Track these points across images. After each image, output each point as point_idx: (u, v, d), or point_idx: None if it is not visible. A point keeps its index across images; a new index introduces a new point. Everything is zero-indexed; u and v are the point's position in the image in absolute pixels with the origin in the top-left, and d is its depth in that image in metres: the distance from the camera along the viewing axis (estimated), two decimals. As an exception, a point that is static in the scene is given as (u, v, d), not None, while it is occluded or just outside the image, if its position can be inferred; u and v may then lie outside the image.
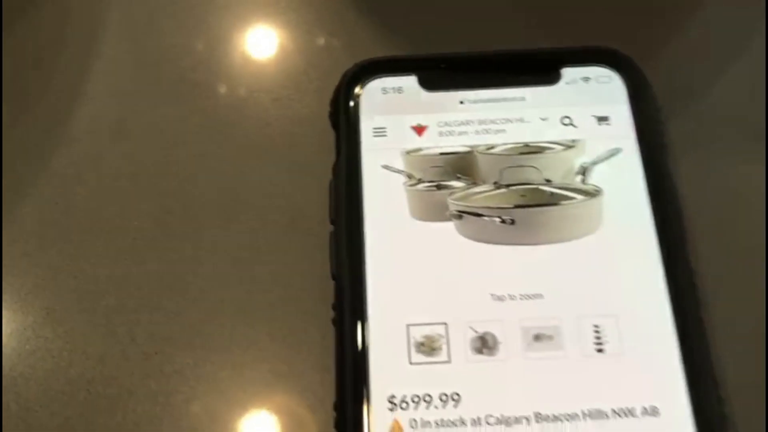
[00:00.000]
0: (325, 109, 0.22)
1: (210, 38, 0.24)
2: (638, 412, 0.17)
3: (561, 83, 0.22)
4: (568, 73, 0.22)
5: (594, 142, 0.21)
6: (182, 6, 0.25)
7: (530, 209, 0.20)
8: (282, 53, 0.24)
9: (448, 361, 0.18)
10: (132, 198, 0.22)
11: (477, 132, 0.21)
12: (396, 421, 0.17)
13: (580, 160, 0.21)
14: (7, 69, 0.24)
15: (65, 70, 0.24)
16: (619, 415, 0.17)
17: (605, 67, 0.22)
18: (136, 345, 0.19)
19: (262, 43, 0.25)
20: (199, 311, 0.20)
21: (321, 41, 0.24)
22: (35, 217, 0.21)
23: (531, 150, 0.21)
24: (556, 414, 0.17)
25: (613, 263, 0.19)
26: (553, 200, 0.20)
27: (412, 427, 0.17)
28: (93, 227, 0.21)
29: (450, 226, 0.20)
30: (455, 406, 0.17)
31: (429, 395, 0.18)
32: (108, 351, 0.19)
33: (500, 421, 0.17)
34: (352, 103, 0.22)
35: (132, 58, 0.24)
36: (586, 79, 0.22)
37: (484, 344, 0.18)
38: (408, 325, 0.19)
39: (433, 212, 0.20)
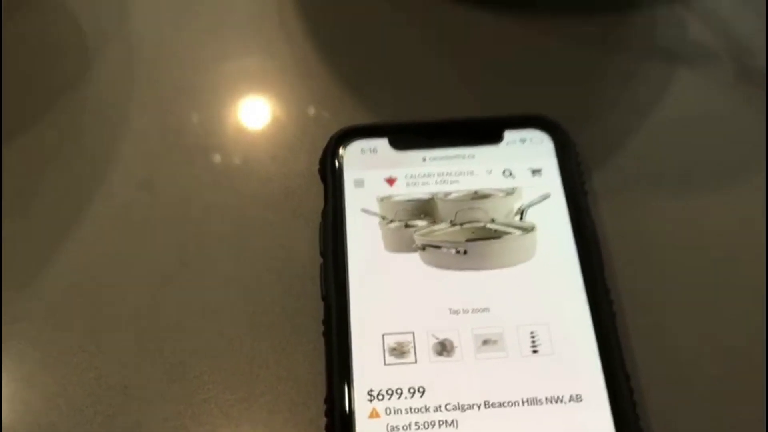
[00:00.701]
0: (315, 166, 0.25)
1: (219, 110, 0.28)
2: (566, 399, 0.20)
3: (503, 143, 0.25)
4: (509, 135, 0.25)
5: (529, 189, 0.24)
6: (198, 84, 0.28)
7: (479, 242, 0.23)
8: (279, 121, 0.27)
9: (415, 362, 0.21)
10: (158, 240, 0.25)
11: (436, 182, 0.24)
12: (374, 409, 0.20)
13: (518, 203, 0.24)
14: (55, 138, 0.27)
15: (102, 137, 0.27)
16: (551, 402, 0.20)
17: (538, 130, 0.25)
18: (163, 357, 0.22)
19: (263, 113, 0.28)
20: (213, 329, 0.23)
21: (311, 111, 0.28)
22: (79, 257, 0.24)
23: (479, 196, 0.24)
24: (501, 402, 0.20)
25: (545, 283, 0.22)
26: (497, 235, 0.23)
27: (387, 413, 0.20)
28: (126, 263, 0.24)
29: (416, 256, 0.23)
30: (421, 397, 0.20)
31: (400, 389, 0.20)
32: (141, 362, 0.22)
33: (456, 408, 0.20)
34: (336, 161, 0.25)
35: (156, 128, 0.27)
36: (523, 139, 0.25)
37: (444, 348, 0.21)
38: (383, 335, 0.21)
39: (403, 245, 0.23)
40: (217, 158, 0.27)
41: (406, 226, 0.23)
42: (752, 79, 0.28)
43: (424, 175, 0.25)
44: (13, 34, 0.30)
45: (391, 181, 0.24)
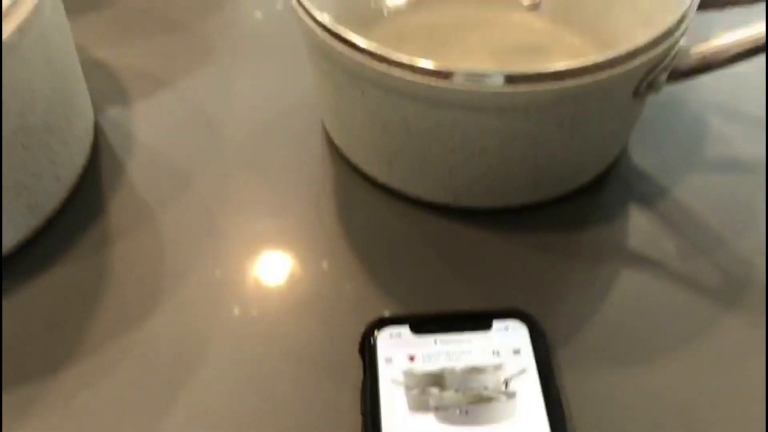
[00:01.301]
0: (354, 342, 0.34)
1: (274, 309, 0.37)
2: None
3: (492, 330, 0.34)
4: (497, 323, 0.34)
5: (511, 364, 0.32)
6: (248, 281, 0.38)
7: (476, 405, 0.31)
8: (323, 300, 0.36)
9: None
10: (235, 409, 0.33)
11: (445, 359, 0.33)
12: None
13: (503, 375, 0.32)
14: (145, 346, 0.36)
15: (186, 343, 0.36)
16: None
17: (518, 319, 0.34)
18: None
19: (309, 288, 0.37)
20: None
21: (347, 290, 0.37)
22: None
23: (476, 370, 0.32)
24: None
25: (523, 434, 0.31)
26: (489, 399, 0.31)
27: None
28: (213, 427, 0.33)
29: (431, 415, 0.31)
30: None
31: None
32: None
33: None
34: (372, 343, 0.33)
35: (228, 332, 0.37)
36: (507, 327, 0.34)
37: (452, 483, 0.30)
38: (410, 473, 0.30)
39: (421, 407, 0.31)
40: (276, 342, 0.36)
41: (423, 392, 0.32)
42: (697, 274, 0.37)
43: (436, 354, 0.33)
44: (122, 256, 0.39)
45: (412, 358, 0.33)
